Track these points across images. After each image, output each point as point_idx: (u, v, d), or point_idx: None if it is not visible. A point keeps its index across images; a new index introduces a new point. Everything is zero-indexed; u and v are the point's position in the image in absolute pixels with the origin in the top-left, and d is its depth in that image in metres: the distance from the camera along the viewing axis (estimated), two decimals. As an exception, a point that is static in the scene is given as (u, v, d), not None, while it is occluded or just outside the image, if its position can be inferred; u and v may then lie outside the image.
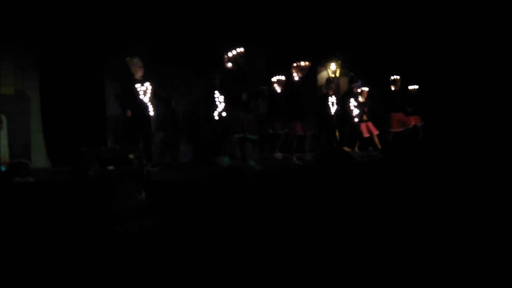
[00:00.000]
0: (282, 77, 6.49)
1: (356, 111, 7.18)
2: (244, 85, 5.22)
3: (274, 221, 1.47)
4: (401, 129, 7.59)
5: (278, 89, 6.66)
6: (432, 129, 7.79)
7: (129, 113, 5.27)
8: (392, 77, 7.62)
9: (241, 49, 5.23)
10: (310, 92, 6.12)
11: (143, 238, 1.89)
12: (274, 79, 6.73)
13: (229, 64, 5.27)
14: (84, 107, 5.73)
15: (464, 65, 7.71)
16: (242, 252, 1.28)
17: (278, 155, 6.63)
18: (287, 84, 6.16)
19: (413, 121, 7.73)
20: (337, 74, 8.64)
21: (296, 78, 5.94)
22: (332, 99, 7.22)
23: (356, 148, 7.81)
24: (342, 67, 8.67)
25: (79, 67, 5.68)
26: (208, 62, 6.18)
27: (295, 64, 5.93)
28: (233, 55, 5.24)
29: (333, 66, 8.60)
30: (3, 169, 4.52)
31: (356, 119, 7.30)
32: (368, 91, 7.64)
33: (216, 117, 5.64)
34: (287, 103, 5.94)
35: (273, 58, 7.50)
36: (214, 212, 1.38)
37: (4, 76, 5.38)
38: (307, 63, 5.94)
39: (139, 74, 5.36)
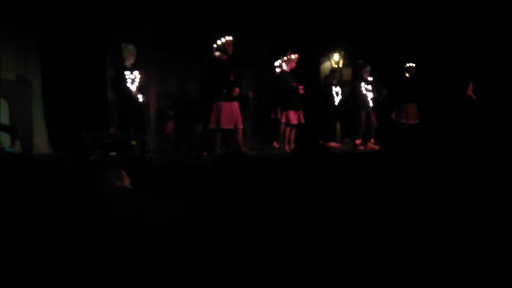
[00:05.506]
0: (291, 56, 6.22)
1: (370, 95, 6.81)
2: (229, 75, 5.26)
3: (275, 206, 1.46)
4: (416, 121, 7.32)
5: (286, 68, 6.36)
6: (431, 125, 7.67)
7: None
8: (407, 64, 7.31)
9: (230, 38, 5.28)
10: (300, 82, 6.07)
11: (139, 218, 1.91)
12: (278, 62, 6.45)
13: (217, 53, 5.30)
14: (86, 92, 5.71)
15: (466, 62, 7.63)
16: (246, 235, 1.28)
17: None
18: (279, 74, 6.17)
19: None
20: (340, 65, 8.58)
21: (286, 69, 6.02)
22: (336, 89, 7.15)
23: (373, 140, 7.10)
24: (345, 57, 8.59)
25: (81, 52, 5.66)
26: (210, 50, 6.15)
27: (285, 58, 6.01)
28: (221, 43, 5.27)
29: (336, 56, 8.53)
30: (13, 150, 4.55)
31: (371, 105, 6.85)
32: (373, 80, 7.43)
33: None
34: (281, 93, 5.99)
35: (276, 46, 7.43)
36: (217, 195, 1.38)
37: (6, 61, 5.36)
38: (296, 55, 6.02)
39: (129, 61, 5.34)
